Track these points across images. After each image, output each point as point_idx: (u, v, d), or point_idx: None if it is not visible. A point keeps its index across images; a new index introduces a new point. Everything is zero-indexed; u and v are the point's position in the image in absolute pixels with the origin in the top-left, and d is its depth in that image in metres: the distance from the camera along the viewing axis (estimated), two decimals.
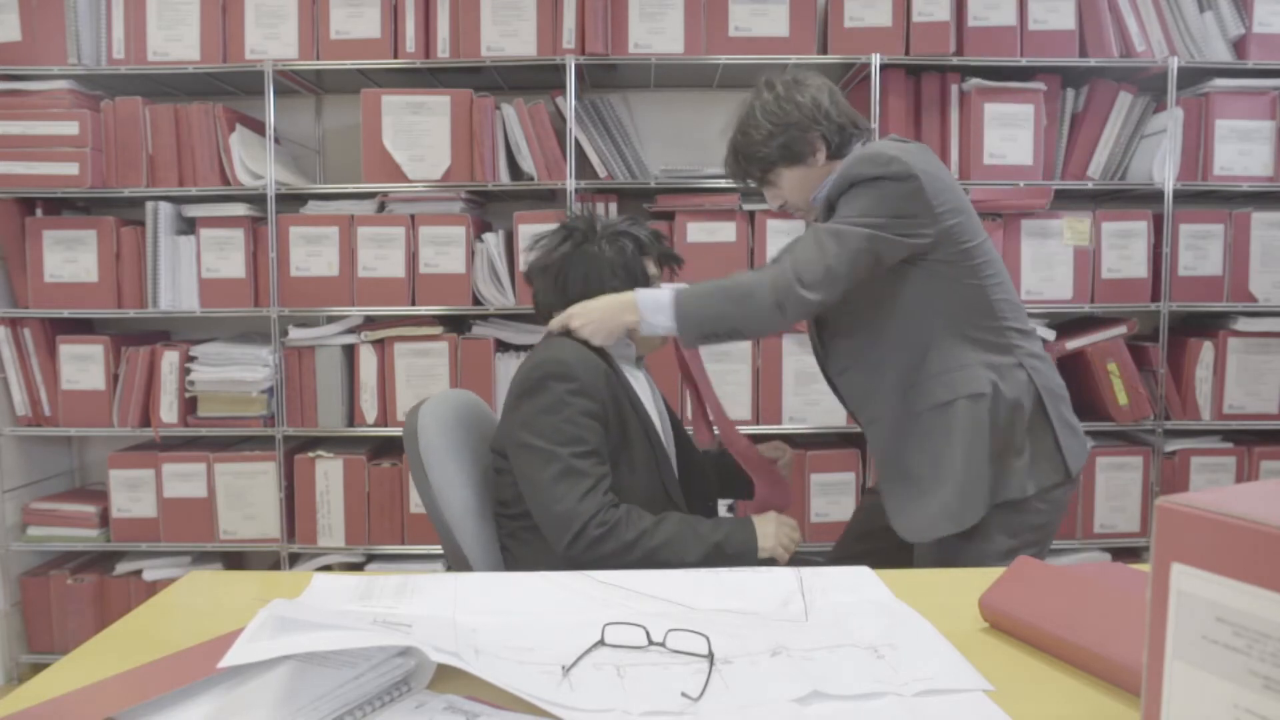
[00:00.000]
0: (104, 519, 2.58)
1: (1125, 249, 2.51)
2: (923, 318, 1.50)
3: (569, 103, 2.44)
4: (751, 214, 2.49)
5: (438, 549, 2.51)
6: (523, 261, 2.46)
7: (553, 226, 1.60)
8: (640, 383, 1.58)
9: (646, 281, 1.54)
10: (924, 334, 1.50)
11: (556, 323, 1.50)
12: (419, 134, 2.47)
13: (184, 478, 2.53)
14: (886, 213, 1.42)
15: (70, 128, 2.44)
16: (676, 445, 1.66)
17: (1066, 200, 2.62)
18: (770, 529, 1.43)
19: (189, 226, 2.54)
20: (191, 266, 2.51)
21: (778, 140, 1.53)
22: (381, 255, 2.48)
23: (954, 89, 2.51)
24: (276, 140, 2.51)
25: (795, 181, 1.58)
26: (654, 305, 1.44)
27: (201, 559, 2.62)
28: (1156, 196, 2.49)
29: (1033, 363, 1.52)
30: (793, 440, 2.59)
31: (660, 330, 1.45)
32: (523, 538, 1.50)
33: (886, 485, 1.56)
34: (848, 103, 1.59)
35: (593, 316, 1.45)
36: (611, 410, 1.44)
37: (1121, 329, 2.50)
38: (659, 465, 1.51)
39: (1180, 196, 2.49)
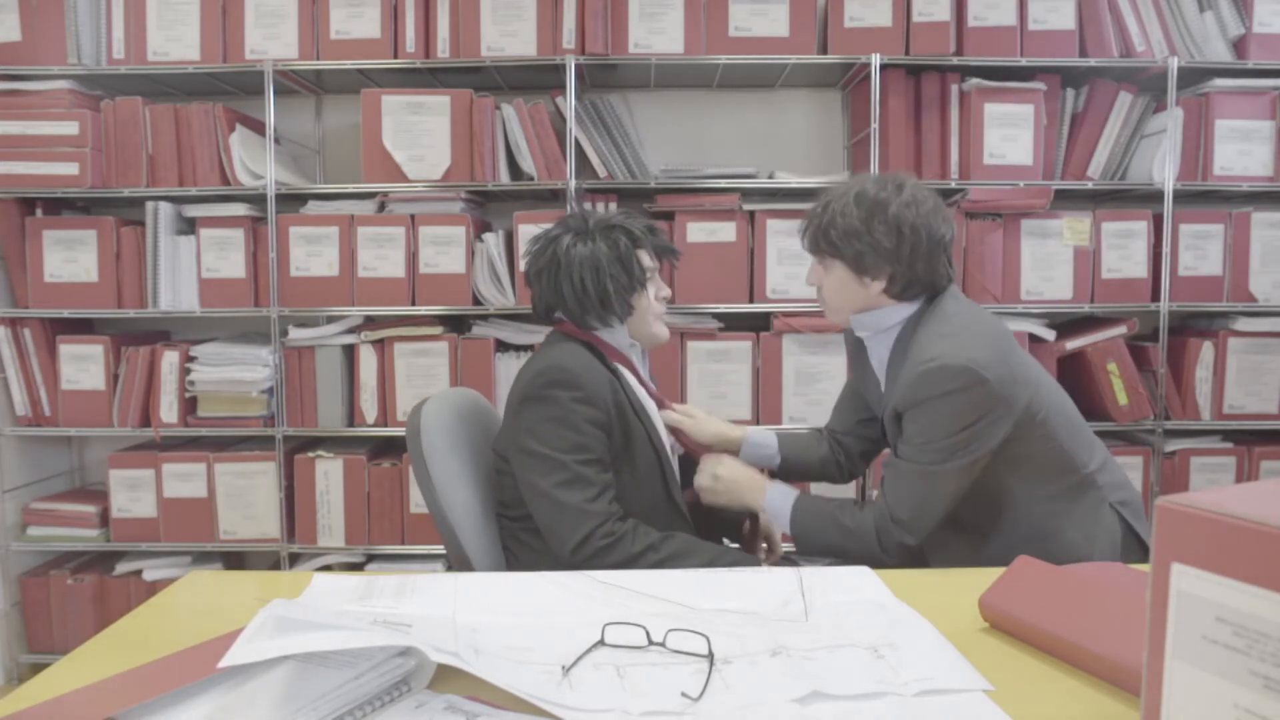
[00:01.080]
0: (104, 519, 2.58)
1: (1125, 249, 2.51)
2: (1001, 490, 1.46)
3: (569, 103, 2.44)
4: (751, 214, 2.49)
5: (438, 549, 2.51)
6: (523, 262, 2.47)
7: (547, 227, 1.59)
8: (640, 385, 1.57)
9: (642, 275, 1.53)
10: (1004, 501, 1.47)
11: (705, 480, 1.56)
12: (419, 134, 2.47)
13: (184, 478, 2.53)
14: (962, 426, 1.36)
15: (70, 128, 2.44)
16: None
17: (1066, 200, 2.62)
18: None
19: (189, 226, 2.54)
20: (191, 266, 2.51)
21: (856, 245, 1.43)
22: (381, 255, 2.48)
23: (954, 89, 2.51)
24: (276, 140, 2.51)
25: (840, 284, 1.49)
26: (777, 512, 1.52)
27: (201, 559, 2.62)
28: (1156, 196, 2.49)
29: (1119, 496, 1.49)
30: None
31: (783, 528, 1.53)
32: (524, 540, 1.50)
33: None
34: (948, 258, 1.48)
35: (729, 492, 1.55)
36: (615, 417, 1.44)
37: (1121, 329, 2.50)
38: (663, 472, 1.51)
39: (1180, 196, 2.49)
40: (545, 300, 1.55)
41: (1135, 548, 1.48)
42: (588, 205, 2.50)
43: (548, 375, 1.42)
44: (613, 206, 2.55)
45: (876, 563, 1.40)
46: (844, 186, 1.49)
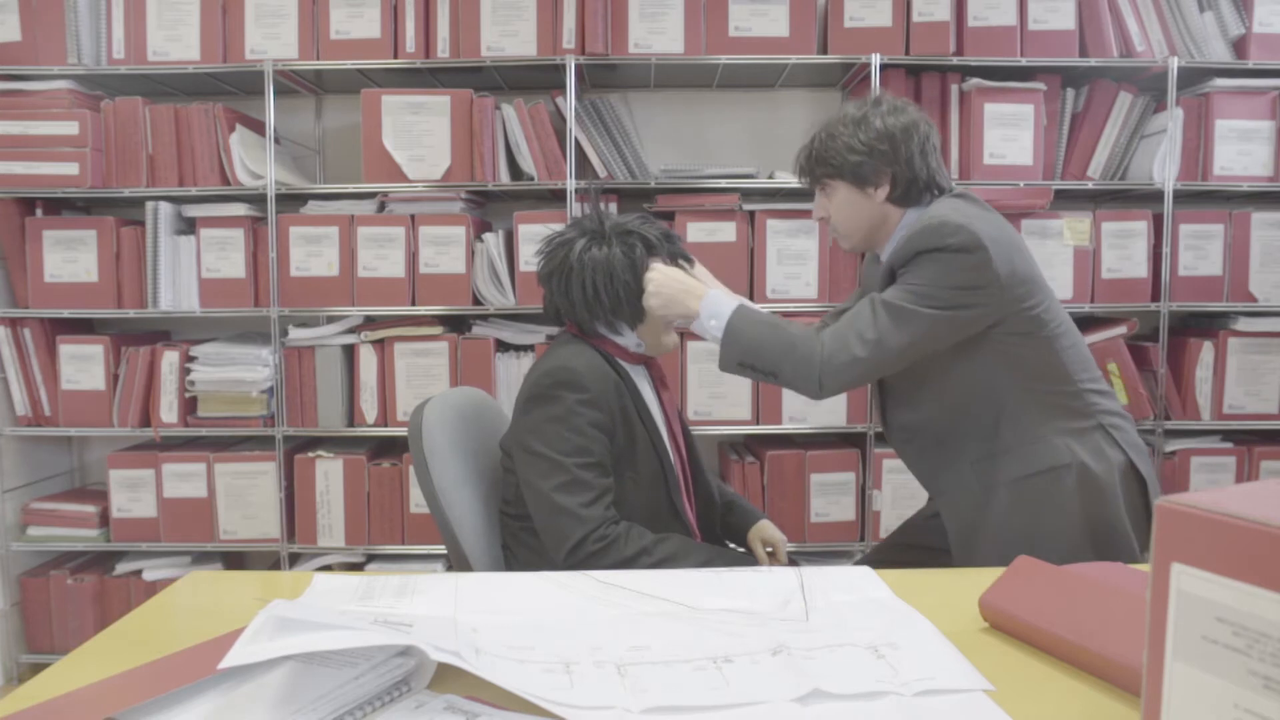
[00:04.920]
0: (104, 519, 2.58)
1: (1125, 249, 2.51)
2: (992, 388, 1.46)
3: (569, 103, 2.44)
4: (751, 214, 2.49)
5: (438, 549, 2.51)
6: (523, 262, 2.48)
7: (557, 227, 1.59)
8: (648, 390, 1.57)
9: None
10: (994, 405, 1.46)
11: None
12: (419, 134, 2.47)
13: (184, 478, 2.53)
14: (951, 284, 1.38)
15: (70, 128, 2.44)
16: (686, 456, 1.63)
17: (1066, 200, 2.62)
18: None
19: (189, 226, 2.54)
20: (191, 266, 2.51)
21: (855, 157, 1.49)
22: (381, 255, 2.48)
23: (954, 89, 2.51)
24: (276, 140, 2.51)
25: (846, 202, 1.53)
26: (714, 309, 1.46)
27: (201, 559, 2.62)
28: (1156, 196, 2.49)
29: (1112, 420, 1.48)
30: (792, 440, 2.59)
31: (708, 334, 1.47)
32: (524, 540, 1.50)
33: (964, 560, 1.50)
34: (940, 158, 1.53)
35: (666, 289, 1.46)
36: (620, 421, 1.44)
37: (1121, 329, 2.50)
38: (666, 478, 1.51)
39: (1180, 196, 2.49)
40: (555, 302, 1.54)
41: (1133, 478, 1.48)
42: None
43: (554, 376, 1.42)
44: (613, 207, 2.55)
45: (804, 388, 1.40)
46: (826, 119, 1.56)
